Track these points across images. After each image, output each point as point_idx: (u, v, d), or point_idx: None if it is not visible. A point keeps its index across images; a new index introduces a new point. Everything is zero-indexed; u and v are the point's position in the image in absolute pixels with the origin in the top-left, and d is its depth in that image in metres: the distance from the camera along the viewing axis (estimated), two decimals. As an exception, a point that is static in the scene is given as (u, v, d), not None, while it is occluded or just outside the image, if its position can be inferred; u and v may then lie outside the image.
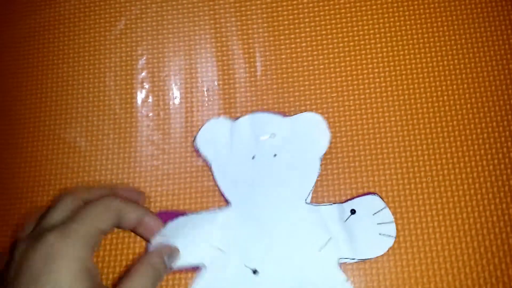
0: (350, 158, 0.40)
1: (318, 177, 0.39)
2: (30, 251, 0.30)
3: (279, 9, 0.44)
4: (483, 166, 0.39)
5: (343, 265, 0.37)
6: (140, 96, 0.43)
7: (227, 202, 0.39)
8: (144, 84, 0.44)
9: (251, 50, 0.44)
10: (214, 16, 0.45)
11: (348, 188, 0.39)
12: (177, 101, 0.43)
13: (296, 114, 0.40)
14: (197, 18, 0.45)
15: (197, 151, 0.41)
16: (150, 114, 0.43)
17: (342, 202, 0.38)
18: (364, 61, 0.43)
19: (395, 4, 0.43)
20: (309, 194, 0.38)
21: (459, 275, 0.37)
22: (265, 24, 0.44)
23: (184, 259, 0.36)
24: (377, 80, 0.42)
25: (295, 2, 0.44)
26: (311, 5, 0.44)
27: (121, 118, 0.43)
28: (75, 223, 0.31)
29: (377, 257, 0.36)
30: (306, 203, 0.38)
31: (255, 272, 0.36)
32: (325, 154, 0.40)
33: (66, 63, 0.45)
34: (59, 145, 0.43)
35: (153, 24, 0.45)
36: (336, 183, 0.40)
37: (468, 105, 0.41)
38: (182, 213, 0.38)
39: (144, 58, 0.44)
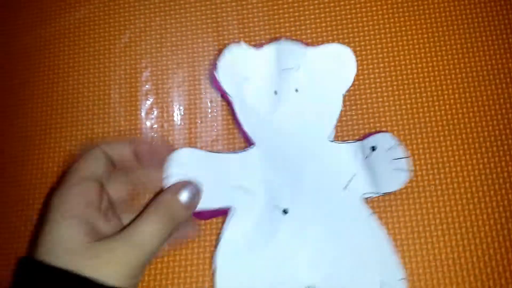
0: (373, 99, 0.42)
1: (340, 114, 0.39)
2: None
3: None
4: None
5: (369, 200, 0.38)
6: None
7: (249, 143, 0.38)
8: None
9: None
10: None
11: (371, 127, 0.41)
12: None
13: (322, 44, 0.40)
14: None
15: (216, 84, 0.39)
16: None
17: (362, 139, 0.38)
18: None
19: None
20: (332, 131, 0.39)
21: (474, 210, 0.39)
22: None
23: (211, 201, 0.35)
24: (411, 20, 0.44)
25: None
26: None
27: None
28: (69, 179, 0.32)
29: (401, 190, 0.37)
30: (329, 140, 0.38)
31: (285, 211, 0.37)
32: (348, 91, 0.39)
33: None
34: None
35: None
36: (357, 121, 0.41)
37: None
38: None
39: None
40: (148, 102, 0.44)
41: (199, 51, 0.45)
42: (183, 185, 0.34)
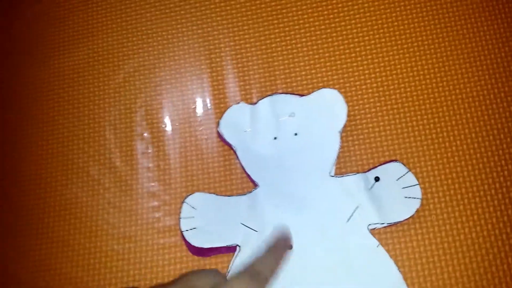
0: (369, 129, 0.42)
1: (339, 150, 0.40)
2: None
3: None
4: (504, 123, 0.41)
5: (372, 231, 0.38)
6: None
7: (255, 184, 0.40)
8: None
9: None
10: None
11: (370, 158, 0.41)
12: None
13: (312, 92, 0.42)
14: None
15: (221, 137, 0.42)
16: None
17: (365, 172, 0.39)
18: (375, 32, 0.45)
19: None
20: (332, 167, 0.40)
21: (482, 232, 0.38)
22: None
23: (218, 240, 0.38)
24: (390, 49, 0.44)
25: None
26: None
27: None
28: None
29: (404, 220, 0.38)
30: (330, 176, 0.39)
31: (290, 248, 0.36)
32: (345, 127, 0.41)
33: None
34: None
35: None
36: (358, 154, 0.41)
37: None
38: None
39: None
40: (144, 141, 0.44)
41: (193, 88, 0.45)
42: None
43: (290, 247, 0.36)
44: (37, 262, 0.41)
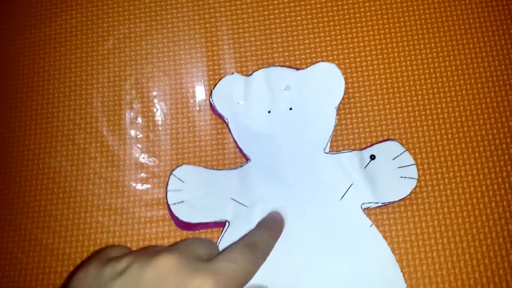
0: (368, 107, 0.41)
1: (335, 127, 0.39)
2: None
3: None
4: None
5: (366, 211, 0.37)
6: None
7: (246, 158, 0.39)
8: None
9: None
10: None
11: (367, 137, 0.40)
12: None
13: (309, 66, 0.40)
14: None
15: (213, 109, 0.40)
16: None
17: (361, 149, 0.38)
18: (378, 7, 0.43)
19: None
20: (327, 144, 0.38)
21: (480, 216, 0.37)
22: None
23: (207, 215, 0.37)
24: (393, 25, 0.43)
25: None
26: None
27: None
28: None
29: (400, 200, 0.37)
30: (324, 152, 0.38)
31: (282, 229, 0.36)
32: (342, 104, 0.40)
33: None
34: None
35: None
36: (354, 132, 0.40)
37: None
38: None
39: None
40: (133, 111, 0.42)
41: (186, 57, 0.43)
42: None
43: (282, 229, 0.35)
44: (17, 232, 0.40)
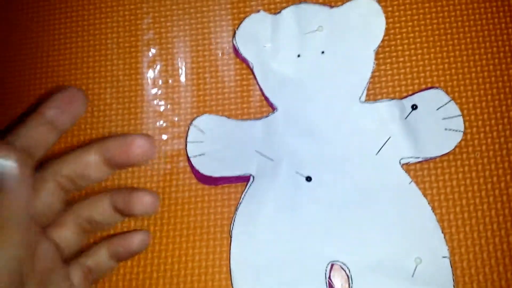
0: (411, 51, 0.37)
1: (373, 72, 0.35)
2: None
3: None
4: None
5: (405, 166, 0.34)
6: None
7: (273, 108, 0.36)
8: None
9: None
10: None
11: (409, 84, 0.36)
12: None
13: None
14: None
15: (237, 52, 0.37)
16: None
17: (402, 98, 0.35)
18: None
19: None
20: (363, 92, 0.35)
21: None
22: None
23: (229, 169, 0.34)
24: None
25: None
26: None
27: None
28: None
29: (443, 156, 0.34)
30: (360, 101, 0.35)
31: (308, 179, 0.34)
32: (382, 46, 0.36)
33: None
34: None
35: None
36: (395, 79, 0.36)
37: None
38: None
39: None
40: (150, 54, 0.38)
41: (208, -6, 0.39)
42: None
43: None
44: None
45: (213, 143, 0.35)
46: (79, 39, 0.39)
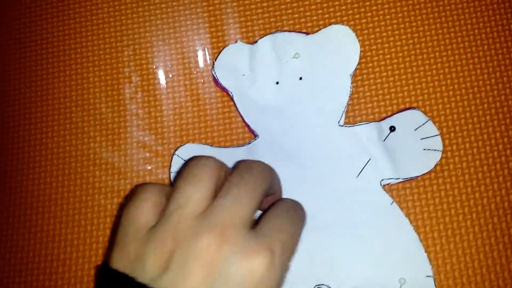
0: (388, 72, 0.37)
1: (350, 96, 0.35)
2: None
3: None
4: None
5: (387, 187, 0.34)
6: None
7: (254, 135, 0.36)
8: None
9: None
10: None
11: (387, 105, 0.36)
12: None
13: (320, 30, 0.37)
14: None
15: (216, 81, 0.37)
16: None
17: (380, 120, 0.35)
18: None
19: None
20: (342, 115, 0.35)
21: (507, 195, 0.34)
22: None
23: None
24: None
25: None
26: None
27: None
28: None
29: (424, 175, 0.34)
30: (339, 125, 0.35)
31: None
32: (358, 69, 0.37)
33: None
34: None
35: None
36: (374, 100, 0.37)
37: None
38: None
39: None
40: (132, 85, 0.39)
41: (187, 24, 0.39)
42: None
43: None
44: (16, 219, 0.38)
45: None
46: (61, 74, 0.40)
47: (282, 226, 0.25)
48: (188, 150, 0.35)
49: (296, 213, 0.27)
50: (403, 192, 0.35)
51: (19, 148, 0.39)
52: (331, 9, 0.38)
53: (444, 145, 0.35)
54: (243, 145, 0.36)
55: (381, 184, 0.34)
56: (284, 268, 0.24)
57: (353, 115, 0.36)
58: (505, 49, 0.36)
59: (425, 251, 0.32)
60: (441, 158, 0.34)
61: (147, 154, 0.37)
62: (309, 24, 0.38)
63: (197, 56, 0.39)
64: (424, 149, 0.34)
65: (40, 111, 0.39)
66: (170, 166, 0.35)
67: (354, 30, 0.36)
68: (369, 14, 0.38)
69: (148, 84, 0.39)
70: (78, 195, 0.37)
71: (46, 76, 0.40)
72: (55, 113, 0.39)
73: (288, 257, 0.24)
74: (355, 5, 0.38)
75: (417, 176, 0.34)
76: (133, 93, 0.39)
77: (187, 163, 0.26)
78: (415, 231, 0.33)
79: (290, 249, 0.25)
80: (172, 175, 0.35)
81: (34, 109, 0.39)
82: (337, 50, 0.36)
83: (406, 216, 0.33)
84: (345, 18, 0.38)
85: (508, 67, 0.36)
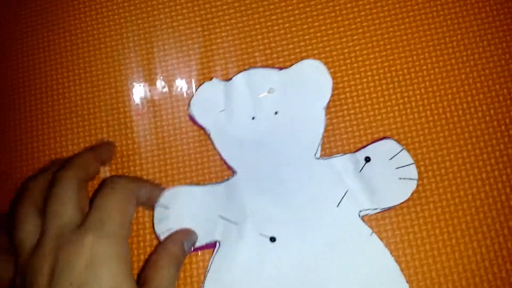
0: (361, 102, 0.37)
1: (325, 128, 0.36)
2: (69, 253, 0.28)
3: None
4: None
5: (365, 218, 0.34)
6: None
7: (232, 171, 0.36)
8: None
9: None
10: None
11: (362, 135, 0.37)
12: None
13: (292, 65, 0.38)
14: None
15: (193, 120, 0.38)
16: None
17: (355, 151, 0.35)
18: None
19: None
20: (317, 148, 0.36)
21: (485, 219, 0.34)
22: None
23: (198, 240, 0.35)
24: (379, 15, 0.39)
25: None
26: None
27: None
28: (106, 222, 0.29)
29: (401, 203, 0.34)
30: (315, 158, 0.35)
31: (272, 239, 0.34)
32: (332, 101, 0.37)
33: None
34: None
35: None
36: (349, 131, 0.37)
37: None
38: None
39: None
40: (105, 135, 0.39)
41: (160, 64, 0.40)
42: (184, 234, 0.34)
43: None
44: None
45: (178, 216, 0.35)
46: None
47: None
48: (168, 196, 0.35)
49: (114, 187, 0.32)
50: (382, 222, 0.35)
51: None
52: (302, 43, 0.39)
53: (419, 172, 0.35)
54: (222, 181, 0.36)
55: (359, 215, 0.34)
56: None
57: (329, 147, 0.37)
58: (475, 73, 0.37)
59: (407, 282, 0.32)
60: (418, 185, 0.34)
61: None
62: (281, 59, 0.39)
63: (171, 98, 0.39)
64: (400, 178, 0.34)
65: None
66: (153, 214, 0.35)
67: (325, 63, 0.37)
68: (339, 46, 0.38)
69: (125, 127, 0.39)
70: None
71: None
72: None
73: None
74: (325, 38, 0.39)
75: (395, 206, 0.34)
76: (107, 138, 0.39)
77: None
78: (396, 261, 0.33)
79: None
80: (155, 224, 0.35)
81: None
82: (309, 84, 0.37)
83: (386, 246, 0.33)
84: (315, 51, 0.39)
85: (480, 91, 0.37)
